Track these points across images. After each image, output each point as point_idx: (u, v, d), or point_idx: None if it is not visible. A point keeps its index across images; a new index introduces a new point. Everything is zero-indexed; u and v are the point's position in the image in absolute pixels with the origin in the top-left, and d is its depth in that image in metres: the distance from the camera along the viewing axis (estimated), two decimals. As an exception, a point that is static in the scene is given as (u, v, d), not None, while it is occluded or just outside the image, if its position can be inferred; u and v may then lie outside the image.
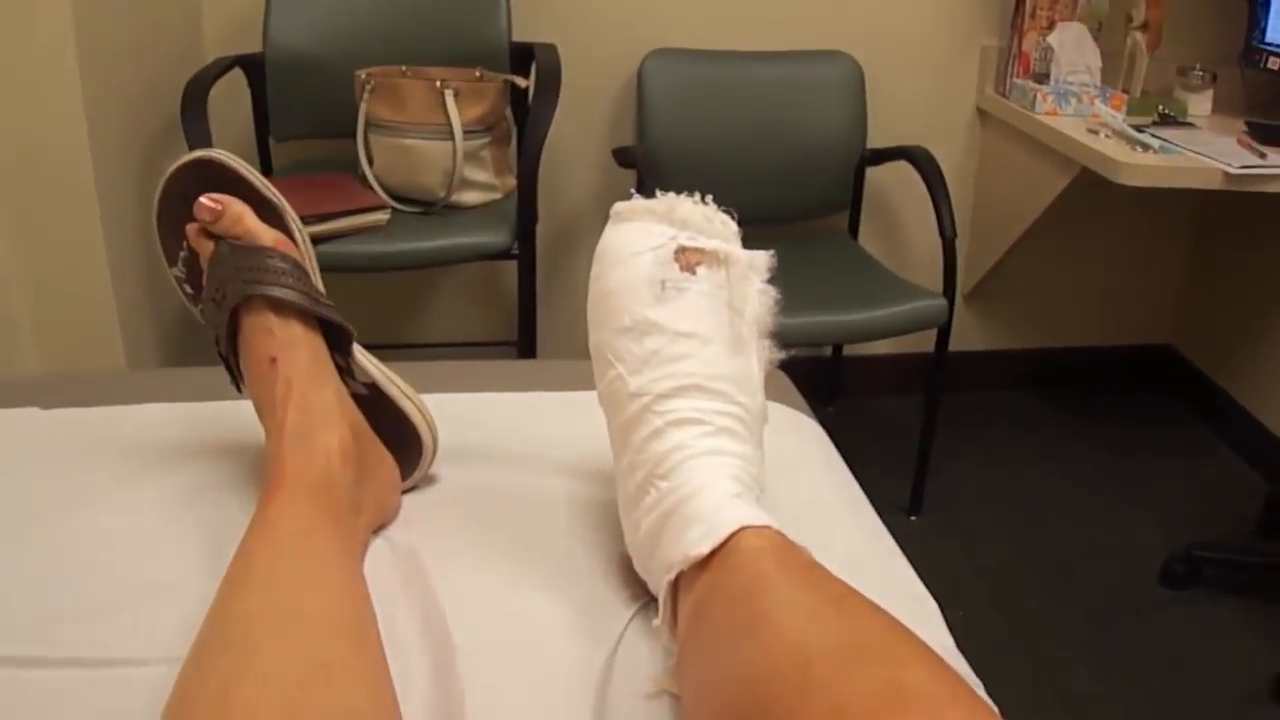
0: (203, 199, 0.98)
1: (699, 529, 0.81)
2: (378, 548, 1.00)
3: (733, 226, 0.96)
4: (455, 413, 1.14)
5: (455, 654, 0.86)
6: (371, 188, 2.49)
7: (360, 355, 1.03)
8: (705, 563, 0.79)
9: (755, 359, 0.94)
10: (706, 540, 0.79)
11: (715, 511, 0.82)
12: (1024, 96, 2.81)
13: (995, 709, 0.81)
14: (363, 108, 2.49)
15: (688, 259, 0.92)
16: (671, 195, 0.95)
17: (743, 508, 0.82)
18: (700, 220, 0.94)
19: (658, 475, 0.87)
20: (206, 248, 1.00)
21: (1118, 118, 2.61)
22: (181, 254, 1.05)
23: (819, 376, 3.25)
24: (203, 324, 1.03)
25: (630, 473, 0.90)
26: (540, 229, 2.52)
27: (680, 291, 0.91)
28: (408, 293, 3.06)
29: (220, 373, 1.03)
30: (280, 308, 0.97)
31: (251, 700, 0.68)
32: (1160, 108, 2.74)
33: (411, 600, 0.92)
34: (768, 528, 0.80)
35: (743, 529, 0.79)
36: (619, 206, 0.97)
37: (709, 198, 0.96)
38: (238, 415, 1.09)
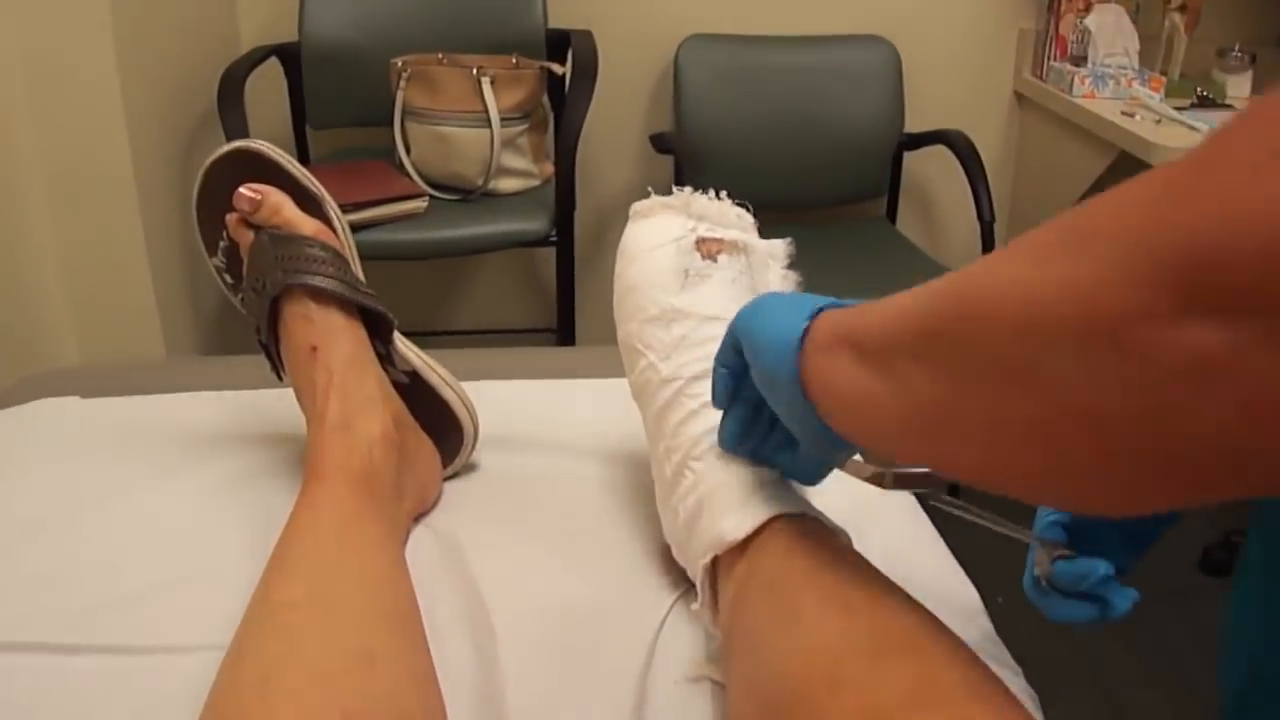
0: (242, 189, 0.99)
1: (734, 515, 0.80)
2: (419, 535, 1.00)
3: (749, 218, 0.98)
4: (495, 400, 1.14)
5: (496, 640, 0.86)
6: (409, 175, 2.50)
7: (400, 343, 1.03)
8: (742, 548, 0.79)
9: None
10: (740, 527, 0.79)
11: (751, 496, 0.81)
12: (1061, 80, 2.79)
13: (1033, 698, 0.81)
14: (399, 96, 2.50)
15: (708, 248, 0.93)
16: (688, 190, 0.97)
17: (778, 492, 0.82)
18: (716, 213, 0.96)
19: (693, 458, 0.87)
20: (246, 237, 1.00)
21: (1156, 100, 2.58)
22: (222, 244, 1.05)
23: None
24: (242, 313, 1.03)
25: (666, 458, 0.90)
26: (578, 215, 2.53)
27: (704, 278, 0.92)
28: (447, 280, 3.07)
29: (260, 361, 1.04)
30: (320, 296, 0.97)
31: (294, 688, 0.69)
32: (1199, 90, 2.71)
33: (453, 587, 0.92)
34: (803, 515, 0.80)
35: (778, 516, 0.79)
36: (637, 205, 0.99)
37: (724, 192, 0.97)
38: (278, 404, 1.10)
